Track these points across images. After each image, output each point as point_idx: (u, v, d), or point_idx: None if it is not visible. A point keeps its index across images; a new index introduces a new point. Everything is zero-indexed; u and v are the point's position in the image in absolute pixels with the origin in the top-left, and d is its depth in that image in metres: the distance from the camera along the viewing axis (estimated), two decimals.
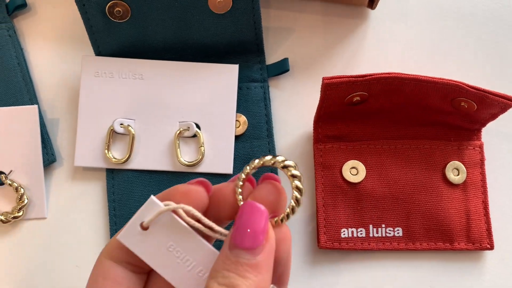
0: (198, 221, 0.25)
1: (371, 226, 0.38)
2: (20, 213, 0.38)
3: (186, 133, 0.39)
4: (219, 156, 0.39)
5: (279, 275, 0.27)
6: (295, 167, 0.26)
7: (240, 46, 0.40)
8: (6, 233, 0.39)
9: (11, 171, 0.39)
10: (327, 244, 0.37)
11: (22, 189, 0.38)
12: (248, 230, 0.24)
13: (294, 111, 0.41)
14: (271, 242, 0.24)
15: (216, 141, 0.39)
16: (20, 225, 0.39)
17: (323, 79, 0.35)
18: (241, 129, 0.40)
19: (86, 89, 0.39)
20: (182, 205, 0.25)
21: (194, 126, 0.39)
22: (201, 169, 0.39)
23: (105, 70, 0.40)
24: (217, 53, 0.41)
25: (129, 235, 0.25)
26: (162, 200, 0.26)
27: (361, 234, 0.38)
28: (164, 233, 0.25)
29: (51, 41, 0.42)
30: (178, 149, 0.39)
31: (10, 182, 0.38)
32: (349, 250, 0.38)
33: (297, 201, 0.26)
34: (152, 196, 0.25)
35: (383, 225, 0.38)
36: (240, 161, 0.39)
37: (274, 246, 0.25)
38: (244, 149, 0.39)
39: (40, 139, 0.39)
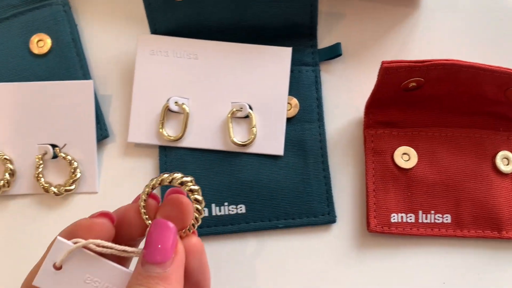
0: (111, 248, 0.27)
1: (420, 212, 0.38)
2: (73, 187, 0.39)
3: (239, 114, 0.39)
4: (270, 138, 0.39)
5: (196, 283, 0.29)
6: (192, 182, 0.27)
7: (294, 29, 0.41)
8: (58, 205, 0.40)
9: (65, 144, 0.39)
10: (377, 228, 0.38)
11: (75, 163, 0.39)
12: (159, 246, 0.26)
13: (344, 96, 0.41)
14: (180, 254, 0.27)
15: (267, 123, 0.39)
16: (71, 198, 0.40)
17: (383, 63, 0.35)
18: (293, 112, 0.40)
19: (141, 67, 0.40)
20: (90, 240, 0.26)
21: (247, 106, 0.39)
22: (252, 149, 0.39)
23: (161, 49, 0.40)
24: (270, 36, 0.41)
25: (44, 277, 0.27)
26: (68, 236, 0.27)
27: (410, 219, 0.38)
28: (79, 269, 0.27)
29: (105, 18, 0.43)
30: (231, 129, 0.39)
31: (64, 155, 0.39)
32: (398, 235, 0.38)
33: (199, 211, 0.28)
34: (58, 237, 0.27)
35: (432, 211, 0.38)
36: (290, 143, 0.40)
37: (184, 257, 0.27)
38: (295, 132, 0.40)
39: (94, 114, 0.39)
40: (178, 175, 0.27)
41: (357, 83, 0.41)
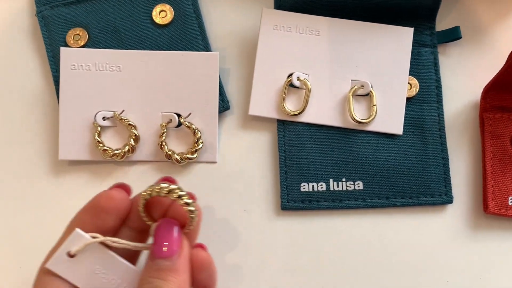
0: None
1: None
2: (194, 156, 0.40)
3: (360, 91, 0.40)
4: (389, 116, 0.40)
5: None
6: (179, 189, 0.30)
7: (415, 10, 0.41)
8: (178, 173, 0.40)
9: (189, 113, 0.40)
10: (495, 210, 0.38)
11: (199, 133, 0.40)
12: (165, 243, 0.29)
13: (460, 79, 0.42)
14: (185, 249, 0.30)
15: (387, 101, 0.40)
16: (191, 167, 0.41)
17: None
18: (412, 92, 0.40)
19: (264, 41, 0.40)
20: (108, 238, 0.29)
21: (370, 84, 0.40)
22: (371, 127, 0.40)
23: (284, 24, 0.40)
24: (389, 16, 0.41)
25: (57, 263, 0.29)
26: (92, 210, 0.30)
27: None
28: (91, 260, 0.29)
29: None
30: (352, 106, 0.40)
31: (188, 125, 0.40)
32: None
33: (191, 212, 0.30)
34: (77, 229, 0.29)
35: None
36: (409, 123, 0.40)
37: (188, 251, 0.30)
38: (414, 112, 0.40)
39: (218, 86, 0.40)
40: (164, 185, 0.29)
41: (473, 67, 0.42)
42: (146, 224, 0.31)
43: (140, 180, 0.40)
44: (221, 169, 0.41)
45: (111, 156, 0.39)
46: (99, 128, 0.40)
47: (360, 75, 0.40)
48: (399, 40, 0.40)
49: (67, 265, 0.29)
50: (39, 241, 0.40)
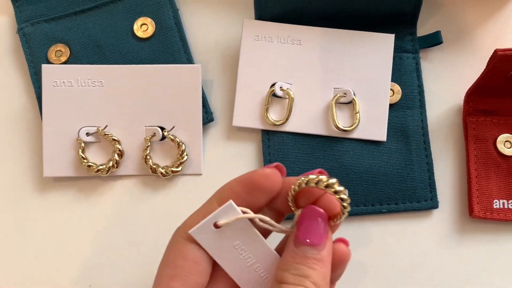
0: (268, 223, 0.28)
1: None
2: (179, 168, 0.40)
3: (343, 99, 0.40)
4: (373, 123, 0.40)
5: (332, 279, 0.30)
6: (337, 183, 0.27)
7: (395, 16, 0.41)
8: (163, 186, 0.40)
9: (173, 127, 0.40)
10: (480, 213, 0.38)
11: (183, 145, 0.40)
12: (314, 230, 0.28)
13: (443, 83, 0.42)
14: (330, 240, 0.28)
15: (370, 108, 0.40)
16: (176, 180, 0.41)
17: (497, 50, 0.36)
18: (395, 98, 0.40)
19: (246, 52, 0.40)
20: (259, 215, 0.28)
21: (352, 92, 0.40)
22: (355, 135, 0.40)
23: (265, 34, 0.41)
24: (370, 23, 0.41)
25: (201, 231, 0.28)
26: (245, 183, 0.28)
27: None
28: (234, 234, 0.28)
29: (206, 3, 0.43)
30: (335, 114, 0.40)
31: (172, 138, 0.40)
32: (500, 221, 0.39)
33: (344, 207, 0.28)
34: (231, 202, 0.28)
35: None
36: (393, 129, 0.40)
37: (332, 244, 0.29)
38: (397, 118, 0.40)
39: (201, 97, 0.40)
40: (323, 177, 0.27)
41: (455, 71, 0.42)
42: (287, 207, 0.30)
43: (126, 194, 0.40)
44: (207, 181, 0.41)
45: (96, 172, 0.39)
46: (83, 144, 0.40)
47: (343, 83, 0.40)
48: (380, 46, 0.40)
49: (209, 235, 0.28)
50: (27, 258, 0.39)
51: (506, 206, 0.39)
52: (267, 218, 0.28)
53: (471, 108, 0.40)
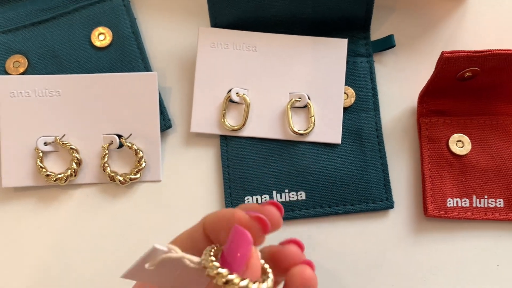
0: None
1: (474, 196, 0.40)
2: (138, 176, 0.40)
3: (298, 104, 0.41)
4: (328, 126, 0.41)
5: None
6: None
7: (348, 21, 0.42)
8: (122, 194, 0.41)
9: (130, 134, 0.40)
10: (434, 212, 0.39)
11: (141, 152, 0.40)
12: (238, 255, 0.25)
13: (397, 86, 0.43)
14: (253, 270, 0.25)
15: (325, 112, 0.41)
16: (135, 187, 0.41)
17: (443, 53, 0.37)
18: (349, 101, 0.41)
19: (202, 59, 0.41)
20: (182, 255, 0.25)
21: (306, 96, 0.41)
22: (311, 138, 0.41)
23: (221, 41, 0.41)
24: (324, 28, 0.42)
25: (136, 272, 0.26)
26: (212, 225, 0.27)
27: (465, 204, 0.39)
28: (171, 266, 0.26)
29: (163, 12, 0.44)
30: (291, 119, 0.40)
31: (129, 145, 0.40)
32: (454, 219, 0.39)
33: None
34: (153, 246, 0.25)
35: (486, 196, 0.40)
36: (347, 132, 0.41)
37: (259, 274, 0.26)
38: (352, 121, 0.41)
39: (158, 105, 0.40)
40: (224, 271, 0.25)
41: (409, 74, 0.43)
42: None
43: (86, 203, 0.41)
44: (166, 187, 0.41)
45: (54, 181, 0.40)
46: (41, 154, 0.40)
47: (298, 87, 0.41)
48: (334, 51, 0.41)
49: (147, 273, 0.26)
50: None
51: (459, 205, 0.40)
52: (187, 256, 0.25)
53: (424, 109, 0.41)
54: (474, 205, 0.40)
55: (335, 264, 0.39)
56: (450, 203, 0.39)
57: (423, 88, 0.40)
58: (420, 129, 0.41)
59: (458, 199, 0.40)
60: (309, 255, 0.39)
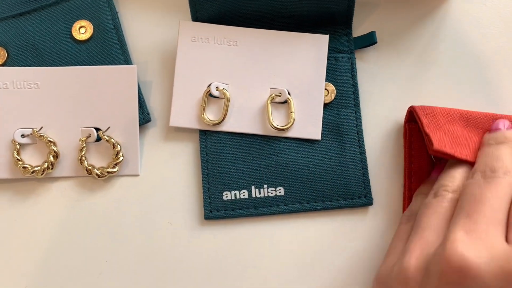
0: None
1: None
2: (115, 169, 0.40)
3: (278, 99, 0.41)
4: (308, 122, 0.40)
5: None
6: None
7: (330, 18, 0.42)
8: (100, 188, 0.40)
9: (108, 127, 0.40)
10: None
11: (119, 146, 0.40)
12: None
13: (378, 83, 0.43)
14: None
15: (305, 108, 0.41)
16: (113, 181, 0.41)
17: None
18: (329, 98, 0.41)
19: (183, 53, 0.41)
20: None
21: (286, 92, 0.40)
22: (291, 134, 0.40)
23: (202, 36, 0.41)
24: (306, 24, 0.42)
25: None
26: None
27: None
28: None
29: (145, 6, 0.44)
30: (270, 114, 0.40)
31: (107, 138, 0.40)
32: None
33: None
34: None
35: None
36: (327, 128, 0.41)
37: None
38: (332, 117, 0.41)
39: (137, 98, 0.40)
40: None
41: (390, 71, 0.43)
42: None
43: (63, 196, 0.40)
44: (144, 182, 0.41)
45: (31, 173, 0.39)
46: (17, 146, 0.39)
47: (278, 83, 0.41)
48: (315, 47, 0.41)
49: None
50: None
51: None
52: None
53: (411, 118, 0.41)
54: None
55: (315, 260, 0.39)
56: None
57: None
58: (406, 134, 0.40)
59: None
60: (286, 250, 0.39)
